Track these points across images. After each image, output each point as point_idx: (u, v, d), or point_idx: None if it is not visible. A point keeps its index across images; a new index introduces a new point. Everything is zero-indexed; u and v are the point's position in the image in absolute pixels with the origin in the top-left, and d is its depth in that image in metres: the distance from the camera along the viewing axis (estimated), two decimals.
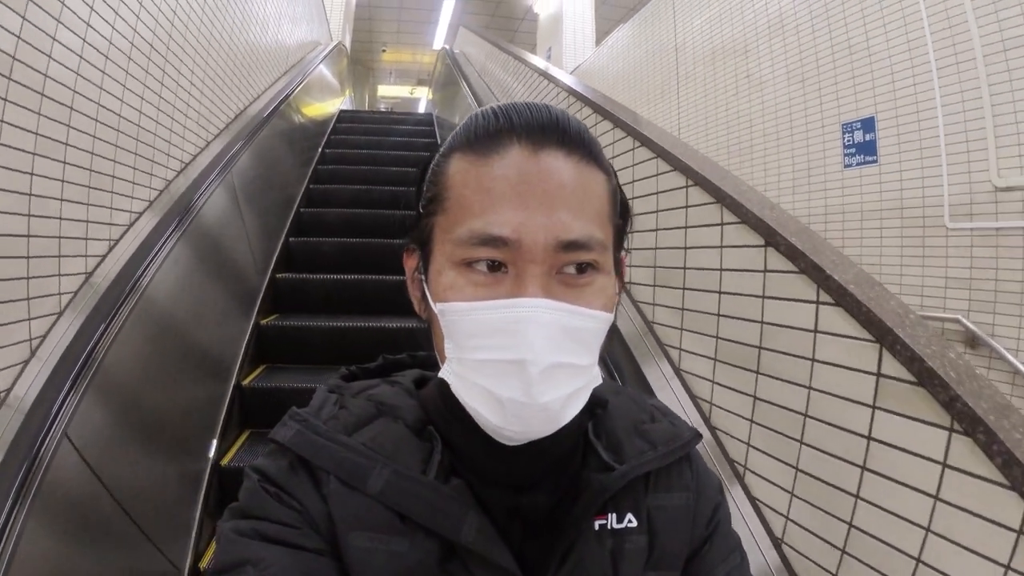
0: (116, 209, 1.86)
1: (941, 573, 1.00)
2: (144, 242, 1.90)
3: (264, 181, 3.16)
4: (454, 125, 4.24)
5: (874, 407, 1.15)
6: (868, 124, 3.22)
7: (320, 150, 4.82)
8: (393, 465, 0.53)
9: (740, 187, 1.61)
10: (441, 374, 0.53)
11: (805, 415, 1.30)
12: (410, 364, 0.71)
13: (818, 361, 1.29)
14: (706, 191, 1.65)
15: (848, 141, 3.33)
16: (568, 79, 3.15)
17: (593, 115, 2.50)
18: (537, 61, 4.12)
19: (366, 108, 14.81)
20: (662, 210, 1.89)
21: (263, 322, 2.81)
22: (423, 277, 0.55)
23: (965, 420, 0.97)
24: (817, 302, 1.29)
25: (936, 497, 1.00)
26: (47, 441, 1.27)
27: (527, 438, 0.52)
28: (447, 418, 0.57)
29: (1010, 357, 2.52)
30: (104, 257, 1.78)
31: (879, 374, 1.15)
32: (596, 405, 0.61)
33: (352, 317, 2.87)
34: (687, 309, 1.78)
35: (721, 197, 1.59)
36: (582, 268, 0.50)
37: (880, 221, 3.14)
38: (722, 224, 1.59)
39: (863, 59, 3.25)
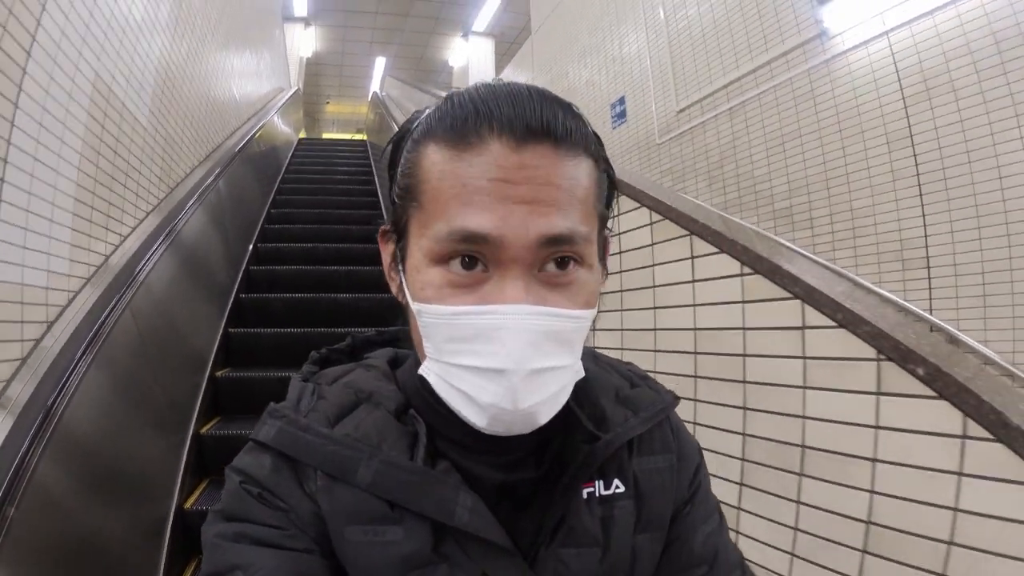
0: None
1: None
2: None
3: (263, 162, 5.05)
4: (381, 145, 6.60)
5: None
6: (621, 102, 5.62)
7: (290, 155, 7.07)
8: (380, 454, 0.52)
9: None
10: (421, 371, 0.52)
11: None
12: (379, 341, 0.71)
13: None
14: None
15: (616, 112, 5.73)
16: None
17: None
18: (441, 92, 6.40)
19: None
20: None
21: (218, 374, 3.06)
22: (401, 267, 0.54)
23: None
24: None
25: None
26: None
27: (510, 434, 0.50)
28: (428, 401, 0.55)
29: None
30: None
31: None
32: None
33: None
34: None
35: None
36: (564, 263, 0.48)
37: (628, 149, 5.46)
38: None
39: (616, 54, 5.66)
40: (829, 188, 3.51)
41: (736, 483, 1.43)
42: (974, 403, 0.92)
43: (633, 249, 1.82)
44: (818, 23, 3.56)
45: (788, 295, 1.26)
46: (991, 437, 0.93)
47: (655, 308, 1.77)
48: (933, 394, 1.01)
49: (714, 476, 1.46)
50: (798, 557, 1.34)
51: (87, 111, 2.04)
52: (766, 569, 1.42)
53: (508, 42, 12.59)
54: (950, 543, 1.00)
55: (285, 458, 0.53)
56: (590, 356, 0.63)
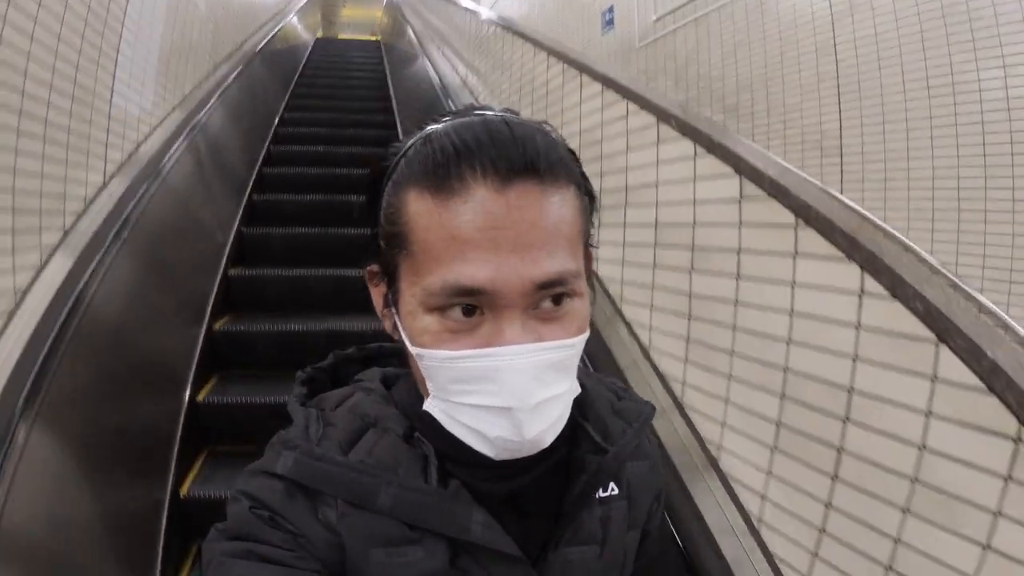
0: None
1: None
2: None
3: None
4: (396, 46, 7.14)
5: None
6: (611, 10, 6.13)
7: (309, 51, 7.66)
8: (397, 479, 0.54)
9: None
10: (427, 407, 0.54)
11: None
12: (359, 359, 0.74)
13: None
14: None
15: (606, 19, 6.25)
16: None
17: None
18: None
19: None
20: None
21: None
22: (394, 310, 0.55)
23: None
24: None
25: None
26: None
27: (516, 458, 0.53)
28: (433, 426, 0.56)
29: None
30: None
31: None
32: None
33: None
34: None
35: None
36: (558, 299, 0.50)
37: (612, 53, 5.94)
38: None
39: None
40: (768, 88, 4.15)
41: (683, 338, 1.57)
42: (880, 267, 0.97)
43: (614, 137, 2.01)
44: None
45: (732, 171, 1.36)
46: (887, 295, 0.98)
47: (626, 188, 1.96)
48: (841, 255, 1.07)
49: (663, 333, 1.63)
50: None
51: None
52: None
53: None
54: (849, 390, 1.04)
55: (299, 486, 0.54)
56: (583, 370, 0.61)
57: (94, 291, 1.90)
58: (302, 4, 7.31)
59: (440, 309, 0.49)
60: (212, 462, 2.36)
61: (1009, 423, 0.91)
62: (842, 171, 3.81)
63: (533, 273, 0.47)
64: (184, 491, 2.14)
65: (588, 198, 0.55)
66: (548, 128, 0.53)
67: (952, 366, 1.00)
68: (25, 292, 1.68)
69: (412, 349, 0.52)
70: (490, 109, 0.54)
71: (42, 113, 1.79)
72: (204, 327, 2.74)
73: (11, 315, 1.61)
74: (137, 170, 2.44)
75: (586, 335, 0.53)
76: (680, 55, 4.89)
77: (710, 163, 1.64)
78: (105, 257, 2.00)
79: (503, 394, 0.48)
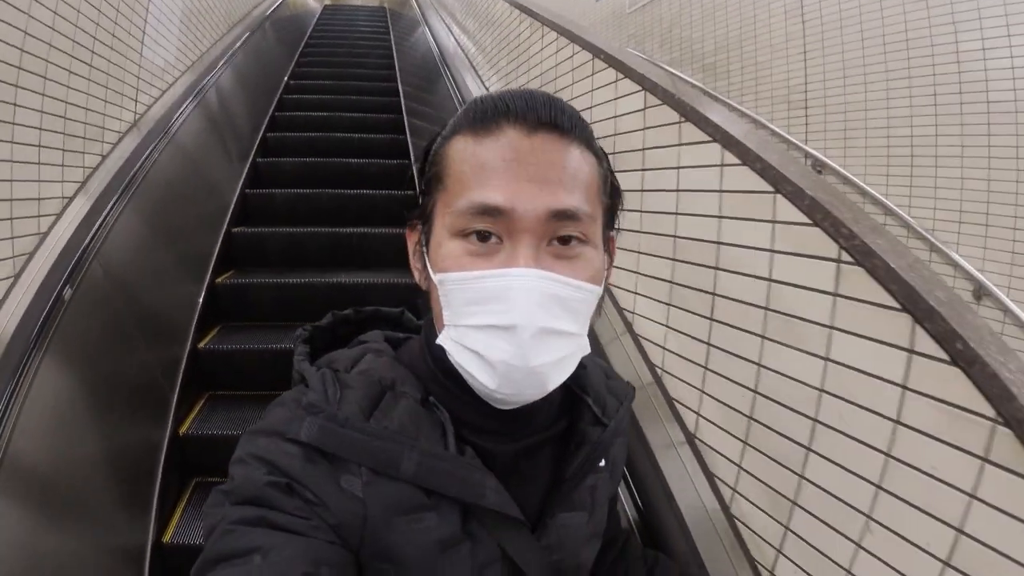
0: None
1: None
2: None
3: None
4: (402, 15, 7.45)
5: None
6: None
7: (318, 14, 8.14)
8: (420, 446, 0.56)
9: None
10: (439, 341, 0.57)
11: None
12: (355, 320, 0.77)
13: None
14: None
15: None
16: None
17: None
18: None
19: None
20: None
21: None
22: (424, 250, 0.59)
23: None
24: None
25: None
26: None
27: (519, 401, 0.56)
28: (442, 384, 0.61)
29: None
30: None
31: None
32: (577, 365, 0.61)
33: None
34: None
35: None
36: (569, 240, 0.54)
37: (605, 19, 6.27)
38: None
39: None
40: (742, 48, 4.53)
41: (665, 304, 1.57)
42: (846, 232, 0.98)
43: (600, 104, 1.92)
44: None
45: (709, 139, 1.37)
46: (852, 261, 0.98)
47: (614, 152, 1.83)
48: (810, 222, 1.08)
49: (645, 296, 1.65)
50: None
51: None
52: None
53: None
54: (826, 359, 1.03)
55: (320, 452, 0.55)
56: None
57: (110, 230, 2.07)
58: None
59: (463, 234, 0.54)
60: (211, 405, 2.45)
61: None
62: (807, 122, 4.19)
63: (548, 201, 0.52)
64: (183, 430, 2.24)
65: (610, 176, 0.61)
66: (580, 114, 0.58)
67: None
68: (46, 234, 1.83)
69: (435, 277, 0.56)
70: None
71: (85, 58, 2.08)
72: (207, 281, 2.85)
73: (31, 255, 1.75)
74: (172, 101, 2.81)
75: (598, 290, 0.57)
76: (665, 20, 5.26)
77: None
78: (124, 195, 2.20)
79: (510, 313, 0.51)
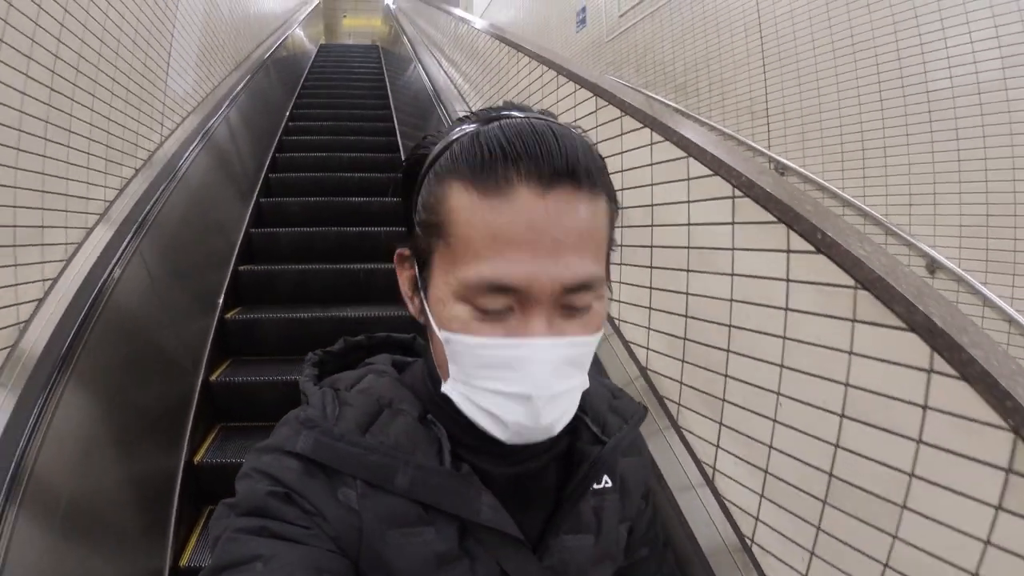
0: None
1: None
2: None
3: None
4: (394, 53, 8.31)
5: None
6: (583, 10, 7.01)
7: (314, 55, 8.70)
8: (415, 460, 0.56)
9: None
10: (445, 389, 0.56)
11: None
12: (367, 346, 0.76)
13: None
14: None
15: (579, 18, 7.13)
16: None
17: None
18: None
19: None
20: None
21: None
22: (423, 294, 0.56)
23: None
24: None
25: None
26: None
27: (526, 443, 0.55)
28: (446, 411, 0.59)
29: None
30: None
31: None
32: None
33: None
34: None
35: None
36: (582, 299, 0.52)
37: (585, 48, 6.81)
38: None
39: None
40: (709, 67, 5.01)
41: (646, 287, 1.70)
42: (807, 227, 1.07)
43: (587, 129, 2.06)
44: None
45: (682, 155, 1.50)
46: (812, 249, 1.07)
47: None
48: (774, 219, 1.16)
49: (629, 285, 1.79)
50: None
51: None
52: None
53: None
54: (784, 338, 1.18)
55: (318, 465, 0.55)
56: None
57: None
58: (308, 13, 8.28)
59: (472, 299, 0.50)
60: (224, 435, 2.56)
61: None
62: (769, 129, 4.62)
63: (564, 276, 0.49)
64: (197, 459, 2.33)
65: (613, 204, 0.57)
66: (581, 132, 0.54)
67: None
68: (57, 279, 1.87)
69: (440, 333, 0.53)
70: (527, 109, 0.55)
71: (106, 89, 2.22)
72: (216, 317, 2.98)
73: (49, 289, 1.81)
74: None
75: (601, 333, 0.55)
76: (640, 46, 5.77)
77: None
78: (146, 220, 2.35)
79: (525, 382, 0.50)
